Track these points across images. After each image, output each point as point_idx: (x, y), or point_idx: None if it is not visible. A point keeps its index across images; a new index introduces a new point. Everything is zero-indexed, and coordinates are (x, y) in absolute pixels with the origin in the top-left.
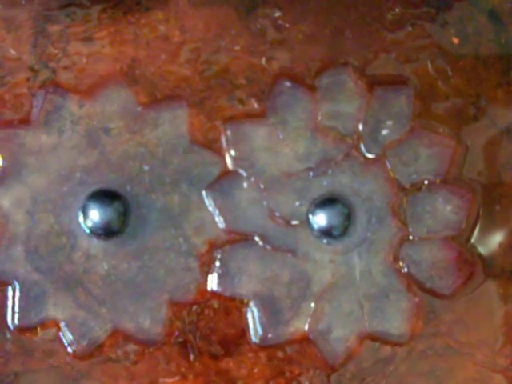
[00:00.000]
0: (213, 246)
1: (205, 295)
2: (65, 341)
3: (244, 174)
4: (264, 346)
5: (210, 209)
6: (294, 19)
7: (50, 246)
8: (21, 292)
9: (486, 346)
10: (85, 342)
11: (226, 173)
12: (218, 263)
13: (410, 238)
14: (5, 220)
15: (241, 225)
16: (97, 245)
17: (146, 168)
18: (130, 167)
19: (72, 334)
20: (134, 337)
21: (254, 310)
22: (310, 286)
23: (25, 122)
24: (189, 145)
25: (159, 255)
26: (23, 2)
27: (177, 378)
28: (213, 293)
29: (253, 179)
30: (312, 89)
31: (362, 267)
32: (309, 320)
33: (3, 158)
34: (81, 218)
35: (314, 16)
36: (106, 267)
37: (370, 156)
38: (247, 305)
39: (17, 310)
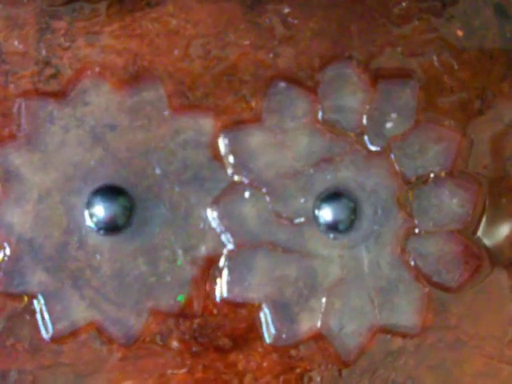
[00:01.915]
0: (212, 261)
1: (190, 311)
2: (39, 317)
3: (245, 180)
4: (279, 346)
5: (215, 225)
6: (300, 14)
7: (53, 238)
8: (9, 258)
9: (495, 338)
10: (59, 326)
11: (229, 187)
12: (225, 270)
13: (417, 230)
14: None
15: (248, 238)
16: (95, 239)
17: (157, 171)
18: (141, 168)
19: (49, 314)
20: (109, 331)
21: (267, 312)
22: (320, 283)
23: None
24: (207, 158)
25: (155, 261)
26: (25, 0)
27: (184, 370)
28: (223, 300)
29: (255, 184)
30: (308, 87)
31: (370, 260)
32: (321, 317)
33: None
34: (86, 212)
35: (321, 10)
36: (99, 259)
37: (373, 149)
38: (259, 307)
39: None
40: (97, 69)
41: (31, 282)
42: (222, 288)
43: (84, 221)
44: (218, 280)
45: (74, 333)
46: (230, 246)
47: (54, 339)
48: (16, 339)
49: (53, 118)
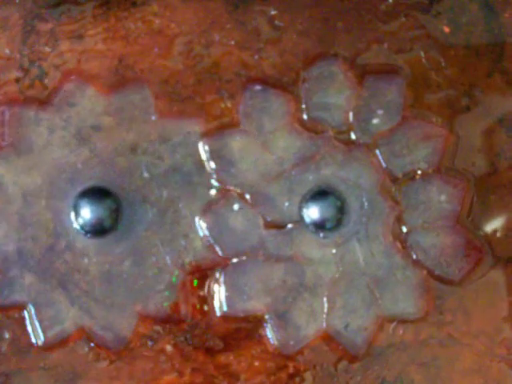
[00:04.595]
0: (198, 268)
1: (178, 315)
2: (30, 328)
3: (229, 187)
4: (288, 353)
5: (204, 234)
6: (286, 15)
7: (40, 241)
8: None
9: (487, 335)
10: (50, 333)
11: (217, 196)
12: (223, 286)
13: (405, 217)
14: None
15: (238, 247)
16: (84, 241)
17: (146, 175)
18: (129, 171)
19: (40, 322)
20: (98, 337)
21: (271, 322)
22: (319, 284)
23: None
24: (195, 164)
25: (142, 265)
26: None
27: (174, 374)
28: (224, 315)
29: (239, 190)
30: (286, 88)
31: (363, 253)
32: (325, 317)
33: None
34: (72, 215)
35: (306, 10)
36: (87, 262)
37: (357, 144)
38: (263, 319)
39: None
40: (82, 73)
41: (20, 291)
42: (221, 303)
43: (71, 223)
44: (216, 295)
45: (65, 340)
46: (220, 255)
47: (46, 347)
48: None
49: (38, 122)
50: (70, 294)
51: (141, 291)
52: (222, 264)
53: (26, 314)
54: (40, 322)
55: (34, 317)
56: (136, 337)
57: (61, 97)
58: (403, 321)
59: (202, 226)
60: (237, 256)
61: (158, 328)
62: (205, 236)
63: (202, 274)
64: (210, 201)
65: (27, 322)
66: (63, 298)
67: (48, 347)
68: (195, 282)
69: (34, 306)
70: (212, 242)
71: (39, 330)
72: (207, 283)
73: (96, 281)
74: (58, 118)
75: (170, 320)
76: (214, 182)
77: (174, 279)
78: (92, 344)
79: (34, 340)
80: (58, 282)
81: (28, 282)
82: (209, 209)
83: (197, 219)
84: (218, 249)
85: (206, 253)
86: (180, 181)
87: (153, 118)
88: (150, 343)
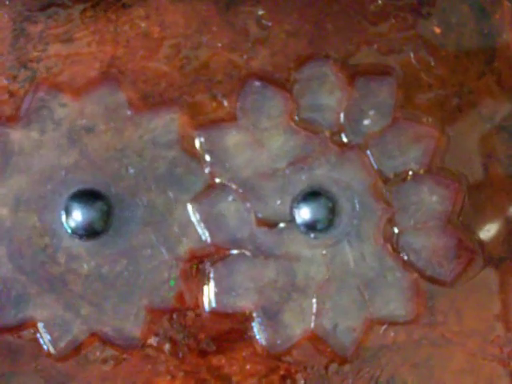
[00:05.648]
0: (194, 256)
1: (184, 304)
2: (42, 342)
3: (223, 181)
4: (275, 352)
5: (195, 223)
6: (275, 15)
7: (32, 245)
8: (1, 291)
9: (479, 335)
10: (62, 344)
11: (209, 186)
12: (212, 282)
13: (396, 218)
14: None
15: (228, 239)
16: (78, 245)
17: (131, 171)
18: (115, 169)
19: (50, 335)
20: (111, 339)
21: (259, 320)
22: (308, 284)
23: (6, 122)
24: (178, 153)
25: (140, 260)
26: (7, 2)
27: (168, 377)
28: (212, 311)
29: (233, 184)
30: (283, 86)
31: (354, 255)
32: (313, 318)
33: None
34: (63, 218)
35: (296, 11)
36: (86, 267)
37: (350, 146)
38: (250, 316)
39: None
40: (56, 79)
41: (27, 308)
42: (209, 299)
43: (63, 228)
44: (205, 290)
45: (77, 348)
46: (211, 243)
47: (59, 358)
48: None
49: (25, 128)
50: (75, 303)
51: (144, 287)
52: (216, 254)
53: (36, 328)
54: (50, 334)
55: (44, 330)
56: (147, 334)
57: (42, 102)
58: (394, 323)
59: (194, 215)
60: (228, 247)
61: (160, 326)
62: (197, 225)
63: (197, 263)
64: (200, 191)
65: (38, 335)
66: (69, 308)
67: (62, 357)
68: (192, 272)
69: (41, 319)
70: (203, 231)
71: (51, 342)
72: (197, 280)
73: (98, 283)
74: (42, 123)
75: (177, 310)
76: (205, 173)
77: (173, 271)
78: (104, 347)
79: (46, 350)
80: (60, 290)
81: (31, 294)
82: (199, 197)
83: (189, 209)
84: (209, 238)
85: (200, 242)
86: (165, 172)
87: (128, 113)
88: (155, 340)
